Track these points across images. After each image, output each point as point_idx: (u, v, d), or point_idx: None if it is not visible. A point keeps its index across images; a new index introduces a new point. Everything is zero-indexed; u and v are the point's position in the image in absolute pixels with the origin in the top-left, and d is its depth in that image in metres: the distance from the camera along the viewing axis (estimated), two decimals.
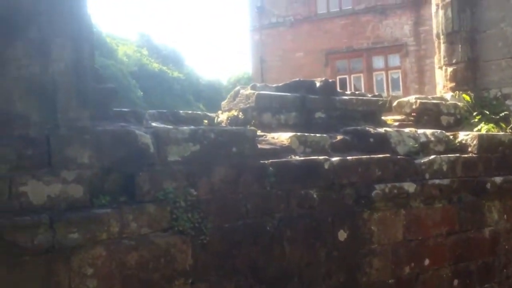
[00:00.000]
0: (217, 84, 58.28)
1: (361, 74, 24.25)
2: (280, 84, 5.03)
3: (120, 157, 2.96)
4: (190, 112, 4.24)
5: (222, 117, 4.60)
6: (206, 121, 4.24)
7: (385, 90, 23.60)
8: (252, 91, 4.64)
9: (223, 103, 4.78)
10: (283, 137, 4.24)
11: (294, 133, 4.24)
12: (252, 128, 3.88)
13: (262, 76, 25.56)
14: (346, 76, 24.68)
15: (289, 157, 4.00)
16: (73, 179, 2.75)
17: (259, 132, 4.33)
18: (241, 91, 4.72)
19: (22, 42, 2.64)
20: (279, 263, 3.65)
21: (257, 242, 3.58)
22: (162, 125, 3.68)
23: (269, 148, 3.98)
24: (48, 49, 2.74)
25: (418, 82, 22.70)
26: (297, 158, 4.00)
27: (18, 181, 2.60)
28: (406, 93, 22.71)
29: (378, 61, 23.93)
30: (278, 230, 3.68)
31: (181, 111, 4.15)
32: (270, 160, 3.73)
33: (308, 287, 3.78)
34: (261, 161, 3.68)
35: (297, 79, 5.11)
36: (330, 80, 5.26)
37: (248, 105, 4.58)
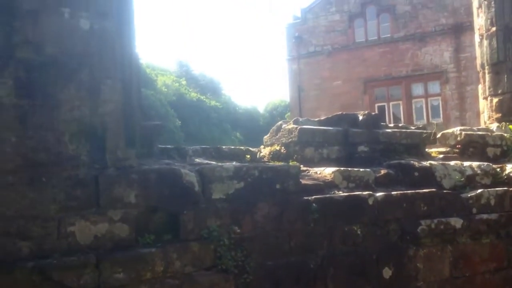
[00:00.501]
0: (254, 112, 58.67)
1: (400, 102, 24.01)
2: (322, 118, 5.02)
3: (165, 196, 2.99)
4: (232, 147, 4.26)
5: (264, 151, 4.60)
6: (248, 156, 4.25)
7: (424, 117, 23.27)
8: (295, 126, 4.64)
9: (265, 137, 4.79)
10: (326, 172, 4.21)
11: (337, 168, 4.21)
12: (296, 164, 3.87)
13: (300, 105, 25.65)
14: (385, 104, 24.48)
15: (333, 192, 3.96)
16: (119, 219, 2.79)
17: (302, 167, 4.31)
18: (283, 125, 4.72)
19: (74, 84, 2.72)
20: None
21: (300, 280, 3.53)
22: (206, 161, 3.71)
23: (312, 183, 3.95)
24: (98, 91, 2.81)
25: (458, 109, 22.32)
26: (341, 193, 3.95)
27: (67, 221, 2.65)
28: (447, 120, 22.36)
29: (417, 88, 23.67)
30: (321, 267, 3.62)
31: (224, 147, 4.18)
32: (314, 196, 3.71)
33: None
34: (305, 197, 3.66)
35: (340, 112, 5.10)
36: (373, 113, 5.22)
37: (290, 139, 4.57)
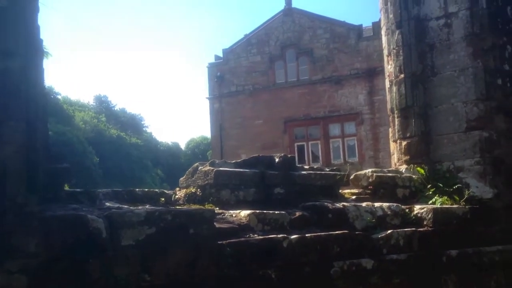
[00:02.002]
0: (176, 149, 58.22)
1: (319, 141, 24.73)
2: (239, 160, 5.04)
3: (70, 244, 2.84)
4: (146, 190, 4.16)
5: (180, 194, 4.53)
6: (163, 199, 4.16)
7: (341, 157, 24.06)
8: (211, 168, 4.61)
9: (181, 179, 4.72)
10: (241, 215, 4.19)
11: (252, 211, 4.20)
12: (210, 208, 3.82)
13: (221, 143, 25.74)
14: (304, 143, 25.12)
15: (248, 236, 3.94)
16: (18, 270, 2.60)
17: (217, 210, 4.28)
18: (200, 167, 4.69)
19: None
20: None
21: None
22: (117, 205, 3.58)
23: (227, 227, 3.92)
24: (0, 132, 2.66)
25: (373, 149, 23.29)
26: (256, 237, 3.94)
27: None
28: (362, 159, 23.24)
29: (334, 129, 24.53)
30: None
31: (137, 190, 4.06)
32: (228, 240, 3.66)
33: None
34: (219, 242, 3.60)
35: (256, 155, 5.13)
36: (289, 156, 5.30)
37: (206, 181, 4.54)
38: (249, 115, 25.31)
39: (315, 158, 24.54)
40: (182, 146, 60.79)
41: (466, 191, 6.11)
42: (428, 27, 6.65)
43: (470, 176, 6.30)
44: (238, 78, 25.71)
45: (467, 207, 5.91)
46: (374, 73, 22.26)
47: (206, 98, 26.94)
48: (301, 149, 24.86)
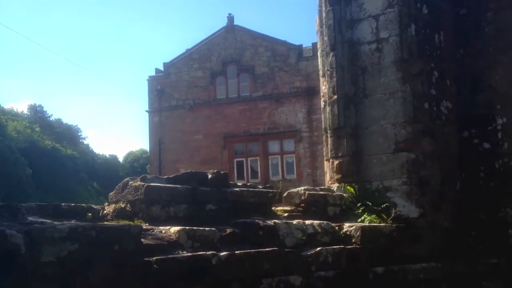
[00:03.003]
0: (114, 162, 56.97)
1: (258, 157, 24.92)
2: (171, 176, 5.01)
3: None
4: (73, 204, 4.06)
5: (109, 209, 4.45)
6: (90, 214, 4.07)
7: (280, 173, 24.33)
8: (142, 183, 4.57)
9: (111, 194, 4.65)
10: (171, 231, 4.16)
11: (182, 227, 4.18)
12: (137, 224, 3.78)
13: (160, 157, 25.45)
14: (244, 159, 25.24)
15: (176, 252, 3.92)
16: None
17: (147, 226, 4.24)
18: (130, 182, 4.63)
19: None
20: None
21: None
22: (40, 220, 3.48)
23: (155, 243, 3.88)
24: None
25: (310, 167, 23.70)
26: (184, 253, 3.92)
27: None
28: (300, 176, 23.58)
29: (273, 146, 24.82)
30: None
31: (63, 204, 3.96)
32: (155, 257, 3.63)
33: None
34: (145, 259, 3.56)
35: (189, 171, 5.12)
36: (222, 172, 5.32)
37: (136, 197, 4.48)
38: (189, 130, 25.20)
39: (254, 174, 24.69)
40: (121, 159, 59.60)
41: (394, 210, 6.32)
42: (361, 51, 6.90)
43: (398, 196, 6.53)
44: (178, 92, 25.59)
45: (393, 225, 6.12)
46: (313, 92, 22.75)
47: (146, 111, 26.63)
48: (240, 165, 24.96)
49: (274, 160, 24.89)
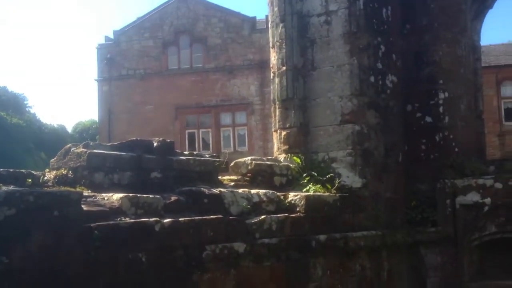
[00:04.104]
0: (62, 132, 55.57)
1: (210, 129, 24.86)
2: (115, 143, 4.94)
3: None
4: (12, 170, 3.95)
5: (49, 175, 4.36)
6: (30, 180, 3.98)
7: (231, 146, 24.40)
8: (84, 149, 4.48)
9: (52, 160, 4.55)
10: (114, 198, 4.13)
11: (125, 194, 4.16)
12: (78, 190, 3.73)
13: (109, 127, 25.00)
14: (195, 131, 25.12)
15: (119, 219, 3.90)
16: None
17: (89, 193, 4.18)
18: (72, 149, 4.53)
19: None
20: None
21: None
22: None
23: (97, 210, 3.85)
24: None
25: (262, 139, 23.86)
26: (127, 220, 3.91)
27: None
28: (251, 149, 23.71)
29: (226, 118, 24.80)
30: None
31: (1, 169, 3.85)
32: (97, 223, 3.60)
33: None
34: (86, 225, 3.54)
35: (134, 138, 5.06)
36: (168, 140, 5.29)
37: (79, 163, 4.40)
38: (139, 100, 24.80)
39: (206, 146, 24.66)
40: (70, 129, 58.20)
41: (338, 180, 6.48)
42: (310, 23, 6.94)
43: (342, 167, 6.69)
44: (129, 61, 25.06)
45: (337, 195, 6.28)
46: (266, 65, 22.72)
47: (95, 80, 25.99)
48: (192, 137, 24.86)
49: (226, 132, 24.90)
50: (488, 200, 6.65)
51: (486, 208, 6.67)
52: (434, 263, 7.05)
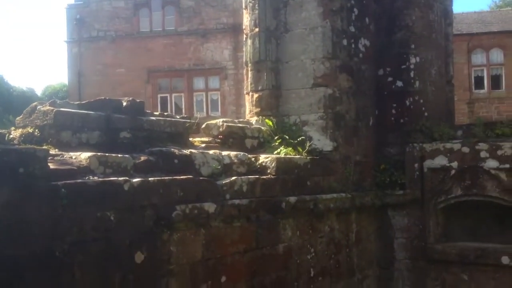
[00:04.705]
0: (31, 95, 54.31)
1: (182, 94, 24.61)
2: (83, 102, 4.85)
3: None
4: None
5: (15, 133, 4.27)
6: None
7: (204, 110, 24.25)
8: (51, 108, 4.39)
9: (18, 119, 4.45)
10: (82, 157, 4.07)
11: (93, 153, 4.10)
12: (44, 147, 3.66)
13: (80, 90, 24.52)
14: (168, 95, 24.85)
15: (87, 178, 3.85)
16: None
17: (56, 151, 4.11)
18: (39, 107, 4.44)
19: None
20: None
21: (45, 269, 3.36)
22: None
23: (64, 168, 3.78)
24: None
25: (235, 104, 23.76)
26: (95, 179, 3.86)
27: None
28: (224, 114, 23.59)
29: (198, 82, 24.54)
30: (68, 255, 3.50)
31: None
32: (64, 182, 3.55)
33: None
34: (53, 183, 3.48)
35: (102, 97, 4.97)
36: (138, 100, 5.21)
37: (45, 122, 4.31)
38: (110, 63, 24.31)
39: (179, 111, 24.43)
40: (39, 92, 56.92)
41: (309, 143, 6.52)
42: None
43: (314, 130, 6.72)
44: (99, 23, 24.44)
45: (308, 158, 6.33)
46: (239, 29, 22.40)
47: (64, 41, 25.33)
48: (164, 101, 24.60)
49: (198, 96, 24.69)
50: (455, 164, 6.78)
51: (453, 171, 6.81)
52: (401, 225, 7.22)
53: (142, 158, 4.54)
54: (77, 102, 4.81)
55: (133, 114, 4.98)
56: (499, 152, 6.48)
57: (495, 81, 24.70)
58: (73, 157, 4.05)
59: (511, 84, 24.00)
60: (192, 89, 24.57)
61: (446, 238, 7.10)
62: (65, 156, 4.03)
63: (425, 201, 7.00)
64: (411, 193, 7.10)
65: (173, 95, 24.81)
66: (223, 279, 4.80)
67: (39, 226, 3.35)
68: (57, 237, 3.47)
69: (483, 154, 6.60)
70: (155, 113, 5.57)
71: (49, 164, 3.65)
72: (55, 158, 3.93)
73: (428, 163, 6.98)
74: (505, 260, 6.39)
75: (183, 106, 24.41)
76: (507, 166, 6.43)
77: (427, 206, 6.98)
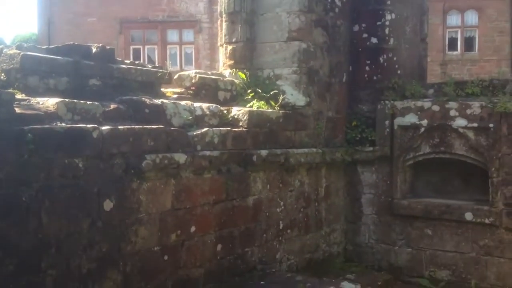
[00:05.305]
0: (0, 43, 52.64)
1: (156, 46, 24.14)
2: (51, 46, 4.71)
3: None
4: None
5: None
6: None
7: (178, 64, 23.87)
8: (18, 51, 4.25)
9: None
10: (49, 103, 3.98)
11: (61, 99, 4.01)
12: (10, 91, 3.56)
13: (49, 39, 23.78)
14: (141, 47, 24.34)
15: (54, 124, 3.78)
16: None
17: (22, 96, 4.02)
18: (5, 50, 4.29)
19: None
20: (35, 235, 3.45)
21: (11, 214, 3.33)
22: None
23: (31, 113, 3.70)
24: None
25: (210, 59, 23.42)
26: (63, 125, 3.80)
27: None
28: (198, 68, 23.26)
29: (172, 35, 24.04)
30: (35, 201, 3.47)
31: None
32: (30, 127, 3.48)
33: (67, 258, 3.66)
34: (19, 127, 3.41)
35: (71, 42, 4.83)
36: (108, 47, 5.08)
37: (12, 66, 4.19)
38: (82, 11, 23.53)
39: (151, 63, 24.02)
40: (8, 41, 55.18)
41: (282, 97, 6.50)
42: None
43: (287, 84, 6.69)
44: None
45: (280, 112, 6.32)
46: None
47: None
48: (137, 53, 24.09)
49: (172, 50, 24.24)
50: (424, 122, 6.87)
51: (422, 129, 6.90)
52: (369, 181, 7.34)
53: (112, 106, 4.47)
54: (45, 47, 4.66)
55: (103, 61, 4.87)
56: (468, 111, 6.58)
57: (469, 43, 24.86)
58: (41, 103, 3.96)
59: (484, 47, 24.19)
60: (166, 42, 24.08)
61: (412, 194, 7.26)
62: (32, 101, 3.94)
63: (394, 158, 7.10)
64: (380, 149, 7.19)
65: (146, 47, 24.28)
66: (193, 229, 4.84)
67: (5, 171, 3.30)
68: (24, 183, 3.43)
69: (452, 113, 6.68)
70: (126, 61, 5.45)
71: (15, 108, 3.58)
72: (22, 103, 3.84)
73: (398, 121, 7.06)
74: (468, 216, 6.58)
75: (156, 59, 23.95)
76: (475, 125, 6.54)
77: (396, 163, 7.09)
